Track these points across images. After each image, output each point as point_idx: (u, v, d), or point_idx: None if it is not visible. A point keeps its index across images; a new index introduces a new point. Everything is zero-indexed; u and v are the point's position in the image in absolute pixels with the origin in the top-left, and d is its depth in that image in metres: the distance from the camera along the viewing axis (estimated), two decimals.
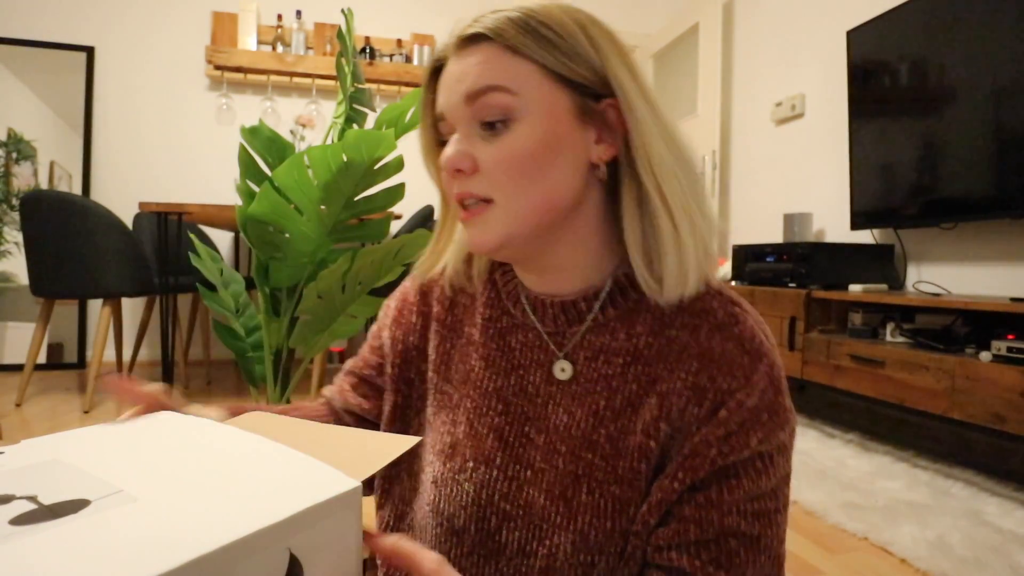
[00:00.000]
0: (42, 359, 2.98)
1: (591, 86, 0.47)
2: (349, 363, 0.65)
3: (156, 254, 2.70)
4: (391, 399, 0.59)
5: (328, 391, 0.65)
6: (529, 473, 0.50)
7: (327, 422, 0.61)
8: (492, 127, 0.46)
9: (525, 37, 0.46)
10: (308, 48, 3.37)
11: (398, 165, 1.36)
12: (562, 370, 0.51)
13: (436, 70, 0.50)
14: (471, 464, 0.51)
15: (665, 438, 0.46)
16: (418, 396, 0.58)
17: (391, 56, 3.45)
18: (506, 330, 0.55)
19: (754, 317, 0.48)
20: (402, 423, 0.58)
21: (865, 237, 2.37)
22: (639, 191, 0.47)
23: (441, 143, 0.50)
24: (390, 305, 0.63)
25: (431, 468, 0.54)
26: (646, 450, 0.47)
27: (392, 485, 0.59)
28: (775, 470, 0.46)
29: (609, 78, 0.47)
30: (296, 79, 3.33)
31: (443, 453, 0.53)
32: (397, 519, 0.58)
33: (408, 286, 0.62)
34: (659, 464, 0.47)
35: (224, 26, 3.27)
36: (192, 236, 1.82)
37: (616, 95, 0.47)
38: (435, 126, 0.51)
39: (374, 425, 0.61)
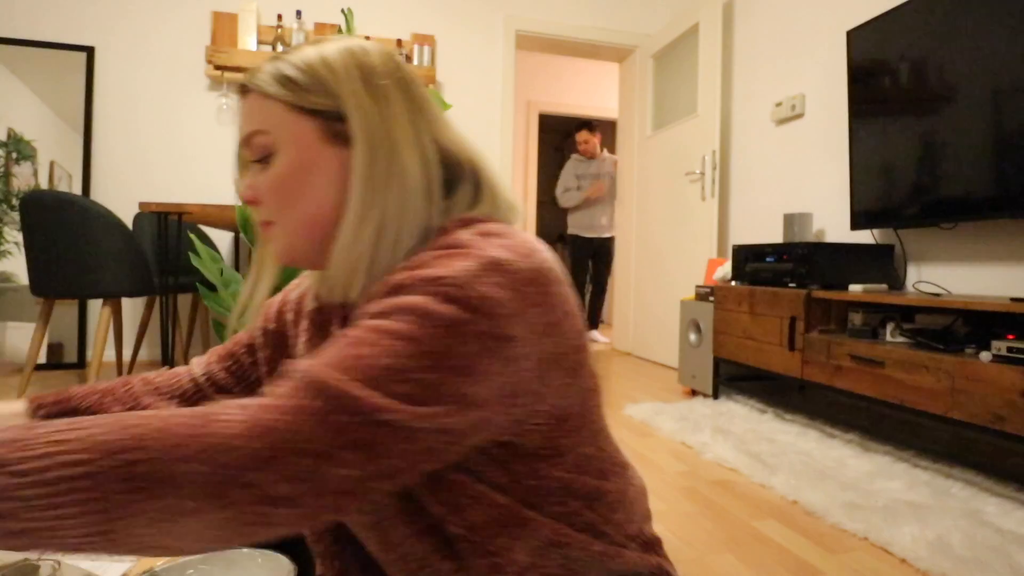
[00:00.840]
0: (42, 359, 2.97)
1: (327, 110, 0.53)
2: (226, 344, 0.74)
3: (156, 254, 2.70)
4: (269, 376, 0.68)
5: (195, 360, 0.73)
6: None
7: (181, 391, 0.69)
8: (262, 162, 0.55)
9: (273, 83, 0.54)
10: None
11: None
12: None
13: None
14: None
15: None
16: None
17: None
18: (325, 324, 0.63)
19: (492, 230, 0.50)
20: None
21: (865, 237, 2.37)
22: (352, 200, 0.53)
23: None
24: (272, 301, 0.71)
25: None
26: None
27: None
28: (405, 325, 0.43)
29: (341, 101, 0.54)
30: None
31: None
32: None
33: (290, 286, 0.72)
34: None
35: (224, 26, 3.27)
36: (192, 236, 1.82)
37: (343, 115, 0.54)
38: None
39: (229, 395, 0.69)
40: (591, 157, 4.53)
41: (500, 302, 0.44)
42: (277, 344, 0.69)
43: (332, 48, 0.55)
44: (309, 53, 0.55)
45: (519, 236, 0.51)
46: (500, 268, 0.46)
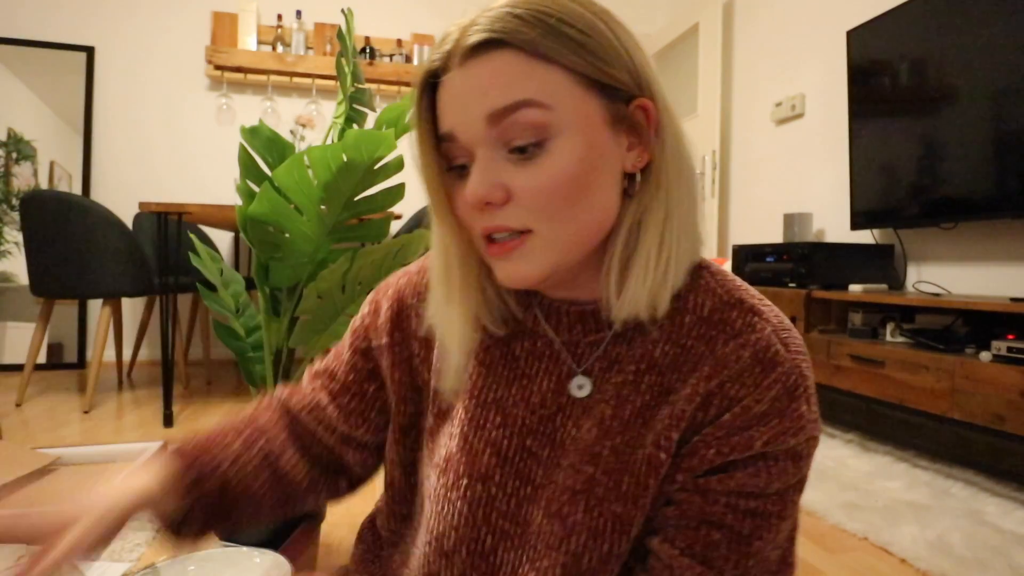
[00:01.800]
0: (42, 359, 2.97)
1: (624, 88, 0.42)
2: (320, 364, 0.58)
3: (156, 254, 2.70)
4: (403, 408, 0.54)
5: (290, 395, 0.58)
6: (529, 489, 0.46)
7: (277, 434, 0.55)
8: (524, 150, 0.40)
9: (548, 39, 0.39)
10: (308, 48, 3.37)
11: (398, 165, 1.36)
12: (579, 387, 0.47)
13: (431, 84, 0.43)
14: (464, 481, 0.48)
15: (676, 448, 0.44)
16: (423, 406, 0.54)
17: (391, 56, 3.45)
18: (510, 336, 0.50)
19: (775, 325, 0.44)
20: (404, 433, 0.55)
21: (865, 237, 2.36)
22: (651, 201, 0.43)
23: (450, 168, 0.44)
24: (382, 305, 0.55)
25: (428, 483, 0.51)
26: (656, 463, 0.43)
27: (396, 500, 0.56)
28: (779, 474, 0.42)
29: (641, 76, 0.43)
30: (296, 79, 3.33)
31: (438, 467, 0.50)
32: (393, 536, 0.56)
33: (403, 284, 0.55)
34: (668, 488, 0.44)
35: (224, 26, 3.27)
36: (192, 236, 1.82)
37: (647, 94, 0.43)
38: (436, 148, 0.44)
39: (339, 439, 0.56)
40: None
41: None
42: (397, 363, 0.54)
43: (593, 5, 0.42)
44: (572, 6, 0.40)
45: (775, 314, 0.46)
46: (810, 395, 0.43)
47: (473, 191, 0.40)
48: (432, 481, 0.50)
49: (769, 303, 0.47)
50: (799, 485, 0.44)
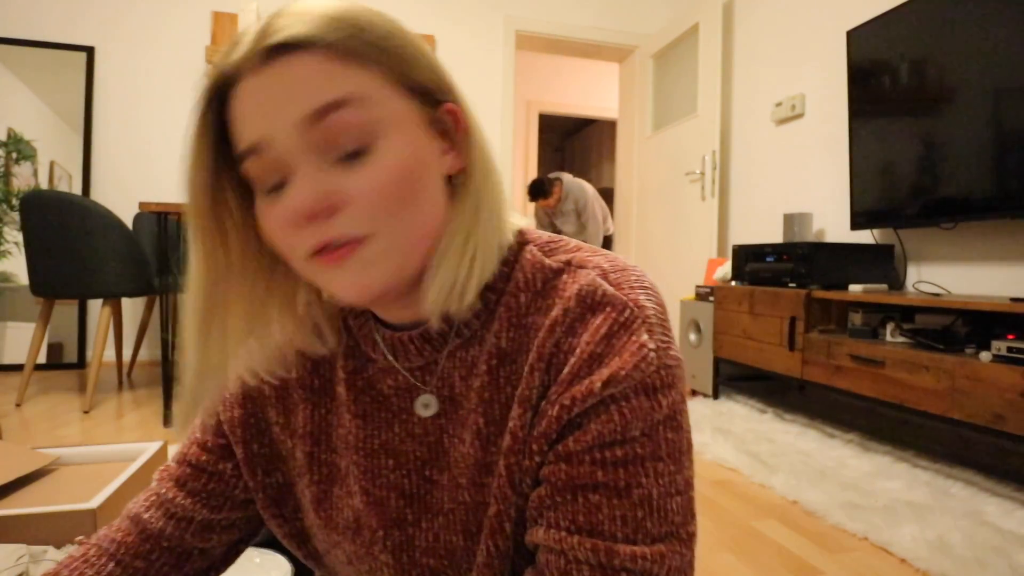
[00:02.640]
0: (42, 359, 2.97)
1: (432, 91, 0.41)
2: (175, 456, 0.53)
3: (156, 254, 2.70)
4: (265, 481, 0.51)
5: (135, 506, 0.52)
6: (441, 518, 0.46)
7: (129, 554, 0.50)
8: (350, 154, 0.38)
9: (356, 40, 0.38)
10: None
11: None
12: (425, 406, 0.46)
13: (221, 91, 0.39)
14: (381, 532, 0.47)
15: (528, 425, 0.41)
16: (295, 474, 0.51)
17: None
18: (374, 378, 0.48)
19: (605, 268, 0.43)
20: (278, 507, 0.52)
21: (865, 237, 2.36)
22: (466, 203, 0.43)
23: (239, 189, 0.42)
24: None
25: (341, 550, 0.49)
26: (527, 451, 0.41)
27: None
28: (636, 413, 0.38)
29: (444, 81, 0.42)
30: None
31: (349, 529, 0.48)
32: None
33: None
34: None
35: (224, 26, 3.27)
36: None
37: (452, 99, 0.43)
38: (222, 169, 0.41)
39: (210, 523, 0.52)
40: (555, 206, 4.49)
41: (680, 376, 0.42)
42: (254, 436, 0.51)
43: (384, 13, 0.41)
44: (372, 11, 0.40)
45: (620, 262, 0.45)
46: (651, 324, 0.41)
47: (300, 202, 0.37)
48: (347, 546, 0.48)
49: (606, 253, 0.46)
50: (669, 421, 0.40)
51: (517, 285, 0.44)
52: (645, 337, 0.39)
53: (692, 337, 2.76)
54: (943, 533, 1.27)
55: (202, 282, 0.42)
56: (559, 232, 4.52)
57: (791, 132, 2.83)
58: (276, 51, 0.37)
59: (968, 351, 1.59)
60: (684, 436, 0.41)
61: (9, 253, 3.02)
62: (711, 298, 2.66)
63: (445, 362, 0.46)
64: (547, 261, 0.45)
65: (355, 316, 0.49)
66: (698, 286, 2.82)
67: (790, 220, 2.53)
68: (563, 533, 0.38)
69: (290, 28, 0.37)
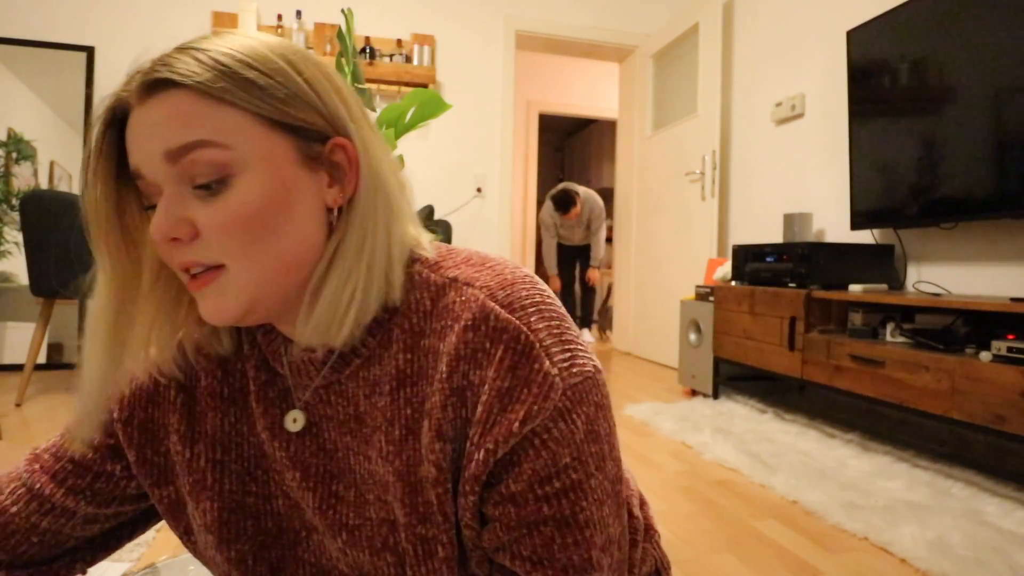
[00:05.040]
0: (42, 359, 2.97)
1: (313, 128, 0.43)
2: (50, 447, 0.54)
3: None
4: (157, 493, 0.51)
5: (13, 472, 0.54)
6: (345, 535, 0.47)
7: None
8: (208, 188, 0.40)
9: (222, 81, 0.40)
10: (308, 48, 3.37)
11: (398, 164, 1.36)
12: (294, 420, 0.48)
13: (119, 113, 0.43)
14: (298, 536, 0.49)
15: (448, 457, 0.43)
16: (188, 492, 0.50)
17: (391, 56, 3.45)
18: (285, 392, 0.49)
19: (492, 286, 0.44)
20: (173, 519, 0.52)
21: (865, 237, 2.36)
22: (348, 232, 0.44)
23: (136, 201, 0.45)
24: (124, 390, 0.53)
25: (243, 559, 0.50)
26: (431, 478, 0.43)
27: None
28: (560, 443, 0.41)
29: (334, 118, 0.44)
30: None
31: (262, 535, 0.50)
32: None
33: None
34: (455, 485, 0.44)
35: (224, 26, 3.27)
36: None
37: (343, 134, 0.44)
38: (116, 180, 0.44)
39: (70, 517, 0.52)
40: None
41: (595, 366, 0.45)
42: (148, 441, 0.51)
43: (278, 45, 0.43)
44: (258, 49, 0.42)
45: (497, 268, 0.46)
46: (547, 347, 0.43)
47: (157, 226, 0.40)
48: (250, 553, 0.49)
49: (492, 263, 0.47)
50: (589, 435, 0.43)
51: (408, 306, 0.46)
52: (547, 364, 0.41)
53: (692, 337, 2.76)
54: (943, 533, 1.27)
55: (109, 288, 0.45)
56: (564, 238, 4.54)
57: (791, 132, 2.83)
58: (154, 86, 0.40)
59: (968, 351, 1.59)
60: (604, 441, 0.44)
61: (9, 253, 3.02)
62: (711, 298, 2.66)
63: (348, 382, 0.47)
64: (433, 278, 0.46)
65: (264, 332, 0.50)
66: (698, 286, 2.82)
67: (790, 220, 2.53)
68: (528, 565, 0.42)
69: (169, 67, 0.40)
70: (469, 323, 0.42)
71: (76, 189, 3.11)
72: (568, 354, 0.43)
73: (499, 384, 0.41)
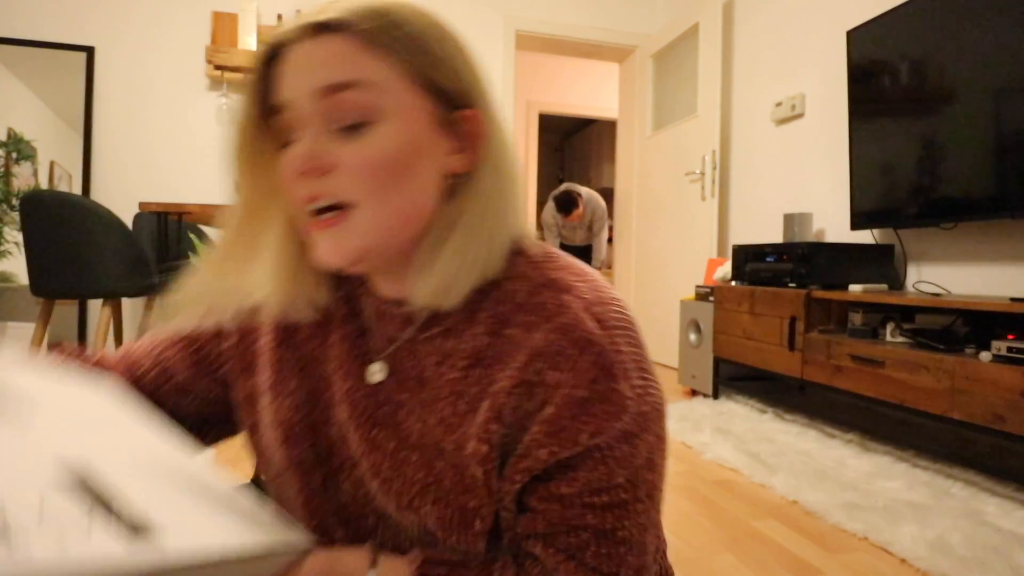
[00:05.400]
0: None
1: (452, 94, 0.45)
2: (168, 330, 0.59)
3: (156, 254, 2.70)
4: (248, 381, 0.56)
5: (127, 348, 0.60)
6: (377, 482, 0.48)
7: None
8: (352, 128, 0.43)
9: (385, 33, 0.43)
10: None
11: None
12: (374, 372, 0.50)
13: (271, 55, 0.45)
14: (348, 467, 0.51)
15: (500, 439, 0.44)
16: (274, 378, 0.55)
17: None
18: (364, 342, 0.52)
19: (590, 299, 0.45)
20: (250, 408, 0.56)
21: (865, 237, 2.36)
22: (466, 203, 0.46)
23: (274, 141, 0.46)
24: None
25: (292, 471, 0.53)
26: (479, 455, 0.44)
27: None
28: (620, 462, 0.43)
29: (472, 89, 0.46)
30: None
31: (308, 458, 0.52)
32: None
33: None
34: (501, 466, 0.45)
35: (224, 26, 3.27)
36: (192, 236, 1.82)
37: (477, 106, 0.46)
38: (260, 119, 0.46)
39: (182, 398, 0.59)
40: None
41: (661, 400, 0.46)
42: (243, 333, 0.57)
43: (434, 12, 0.46)
44: (419, 10, 0.45)
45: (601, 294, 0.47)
46: (627, 370, 0.44)
47: (296, 155, 0.42)
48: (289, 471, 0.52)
49: (591, 277, 0.48)
50: (647, 463, 0.44)
51: (503, 292, 0.47)
52: (624, 386, 0.43)
53: (692, 337, 2.76)
54: (943, 533, 1.27)
55: (242, 206, 0.49)
56: (566, 238, 4.54)
57: (791, 132, 2.83)
58: (317, 28, 0.43)
59: (968, 351, 1.59)
60: (659, 473, 0.46)
61: (9, 253, 3.02)
62: (711, 298, 2.66)
63: (422, 345, 0.49)
64: (533, 273, 0.47)
65: (354, 283, 0.53)
66: (698, 286, 2.82)
67: (790, 220, 2.53)
68: (560, 556, 0.43)
69: (333, 11, 0.43)
70: (560, 326, 0.43)
71: (76, 189, 3.11)
72: (643, 382, 0.44)
73: (576, 393, 0.42)
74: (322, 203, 0.43)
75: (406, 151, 0.43)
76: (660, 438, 0.46)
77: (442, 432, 0.46)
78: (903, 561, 1.20)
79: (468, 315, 0.47)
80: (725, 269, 2.67)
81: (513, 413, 0.44)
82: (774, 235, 2.87)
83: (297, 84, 0.43)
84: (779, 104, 2.86)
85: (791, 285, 2.21)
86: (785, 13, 2.86)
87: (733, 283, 2.57)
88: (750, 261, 2.46)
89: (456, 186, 0.47)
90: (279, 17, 3.30)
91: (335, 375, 0.52)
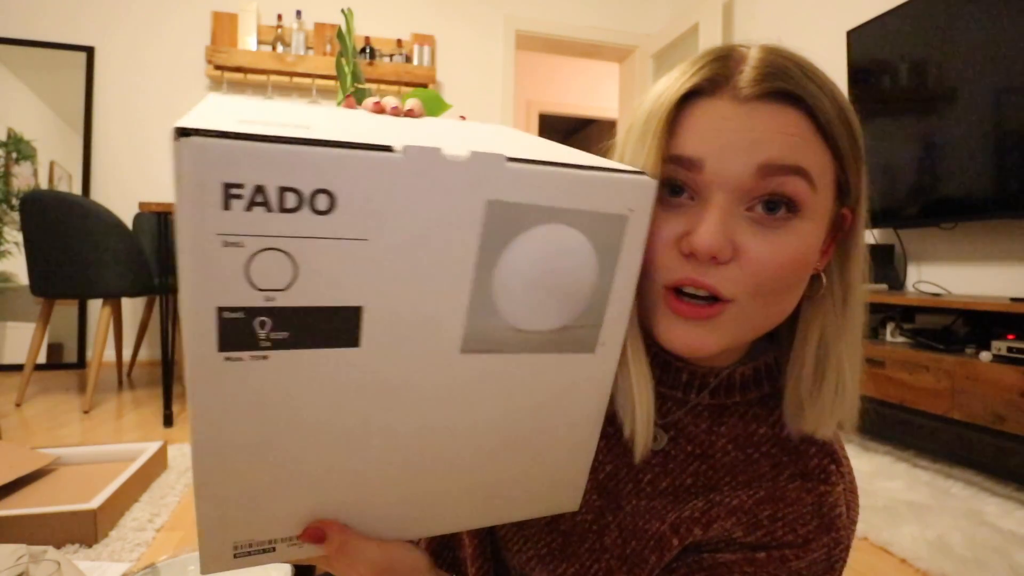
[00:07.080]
0: (42, 359, 2.97)
1: (847, 193, 0.40)
2: None
3: (156, 254, 2.70)
4: None
5: None
6: (557, 563, 0.47)
7: None
8: (775, 219, 0.36)
9: (836, 120, 0.37)
10: (308, 48, 3.37)
11: None
12: (655, 438, 0.44)
13: (683, 100, 0.38)
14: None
15: (691, 543, 0.42)
16: None
17: (391, 56, 3.45)
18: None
19: (847, 482, 0.43)
20: None
21: (865, 237, 2.36)
22: (830, 307, 0.41)
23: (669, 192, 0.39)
24: None
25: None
26: (665, 544, 0.42)
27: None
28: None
29: (858, 185, 0.41)
30: (296, 79, 3.33)
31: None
32: None
33: None
34: (672, 563, 0.43)
35: (224, 26, 3.27)
36: None
37: (858, 204, 0.41)
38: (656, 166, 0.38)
39: None
40: None
41: None
42: None
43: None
44: (847, 99, 0.39)
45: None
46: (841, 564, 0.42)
47: (710, 239, 0.35)
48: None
49: (844, 450, 0.45)
50: None
51: (780, 426, 0.44)
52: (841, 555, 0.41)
53: None
54: (943, 533, 1.27)
55: None
56: None
57: None
58: (766, 95, 0.36)
59: (968, 351, 1.59)
60: None
61: (9, 253, 3.02)
62: None
63: (682, 410, 0.45)
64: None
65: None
66: None
67: None
68: None
69: (799, 86, 0.36)
70: (816, 493, 0.41)
71: (76, 189, 3.12)
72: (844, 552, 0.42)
73: (794, 564, 0.40)
74: (697, 292, 0.37)
75: (806, 257, 0.37)
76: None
77: (666, 522, 0.44)
78: (903, 561, 1.20)
79: (720, 407, 0.44)
80: None
81: (721, 532, 0.41)
82: None
83: (723, 150, 0.36)
84: None
85: None
86: (785, 13, 2.86)
87: None
88: None
89: (819, 285, 0.41)
90: (279, 17, 3.30)
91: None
